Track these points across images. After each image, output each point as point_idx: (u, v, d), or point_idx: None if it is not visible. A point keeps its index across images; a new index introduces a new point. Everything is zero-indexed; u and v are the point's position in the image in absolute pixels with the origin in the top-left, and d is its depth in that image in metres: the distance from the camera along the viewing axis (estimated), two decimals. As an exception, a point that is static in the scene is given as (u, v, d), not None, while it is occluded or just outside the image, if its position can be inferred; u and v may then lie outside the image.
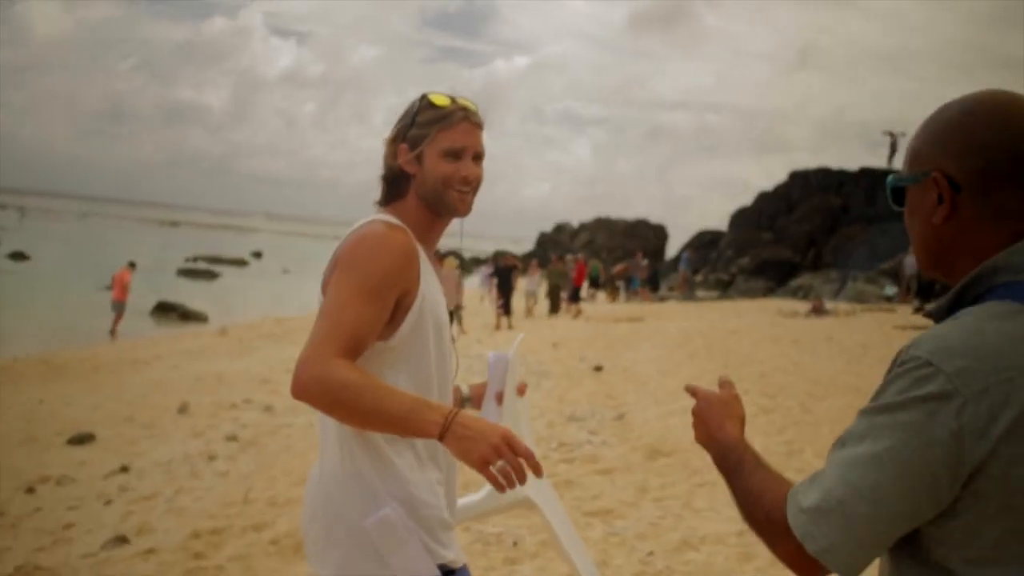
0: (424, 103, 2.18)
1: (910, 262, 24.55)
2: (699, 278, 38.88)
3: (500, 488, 1.83)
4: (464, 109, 2.17)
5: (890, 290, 28.88)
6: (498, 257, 26.89)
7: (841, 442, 1.29)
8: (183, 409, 10.26)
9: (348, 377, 1.88)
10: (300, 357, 1.92)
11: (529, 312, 25.39)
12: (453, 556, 2.13)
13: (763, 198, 42.21)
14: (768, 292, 33.81)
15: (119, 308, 20.97)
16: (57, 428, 9.22)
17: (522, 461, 1.82)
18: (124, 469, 7.51)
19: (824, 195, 38.57)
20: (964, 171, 1.31)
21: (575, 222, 63.20)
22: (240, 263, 53.09)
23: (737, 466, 1.45)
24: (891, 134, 36.35)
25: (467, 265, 60.99)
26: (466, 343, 19.15)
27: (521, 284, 26.56)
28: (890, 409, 1.24)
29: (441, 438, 1.85)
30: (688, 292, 35.35)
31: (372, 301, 2.00)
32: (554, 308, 25.72)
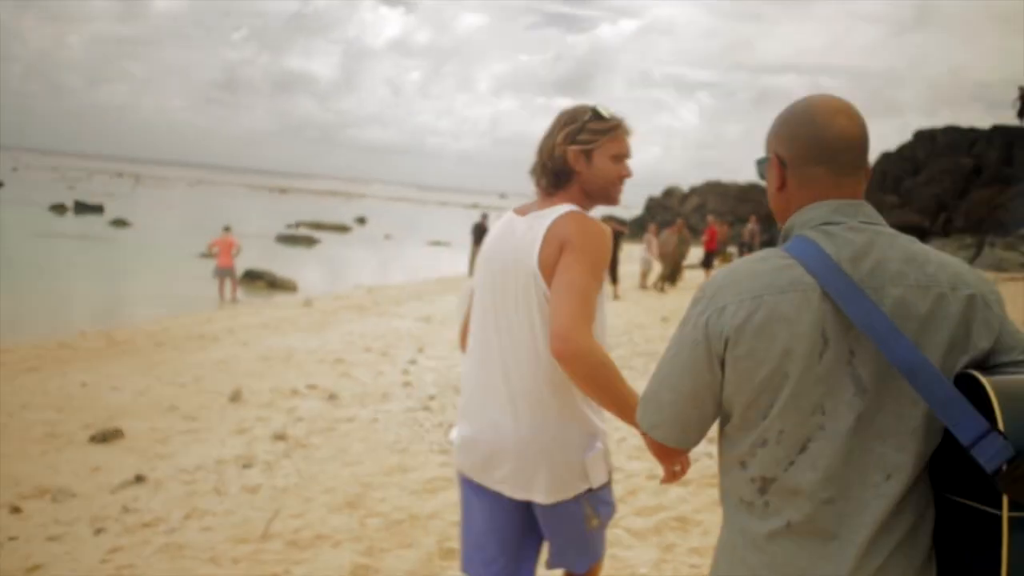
0: (593, 114, 2.67)
1: None
2: (819, 244, 36.43)
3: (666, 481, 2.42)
4: (623, 122, 2.71)
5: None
6: (616, 224, 25.11)
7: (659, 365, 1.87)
8: (235, 397, 8.98)
9: (604, 359, 2.43)
10: (563, 324, 2.38)
11: (643, 283, 23.51)
12: (611, 463, 2.77)
13: (886, 159, 39.44)
14: (895, 260, 31.29)
15: (224, 274, 19.96)
16: (87, 420, 8.00)
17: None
18: (139, 479, 6.20)
19: (953, 156, 35.74)
20: (787, 153, 1.82)
21: (685, 186, 61.13)
22: (343, 229, 52.43)
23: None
24: (1022, 89, 33.99)
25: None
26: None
27: (631, 251, 24.72)
28: (680, 324, 1.82)
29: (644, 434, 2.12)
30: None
31: (599, 283, 2.54)
32: (673, 278, 23.53)
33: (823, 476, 1.68)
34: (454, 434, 2.86)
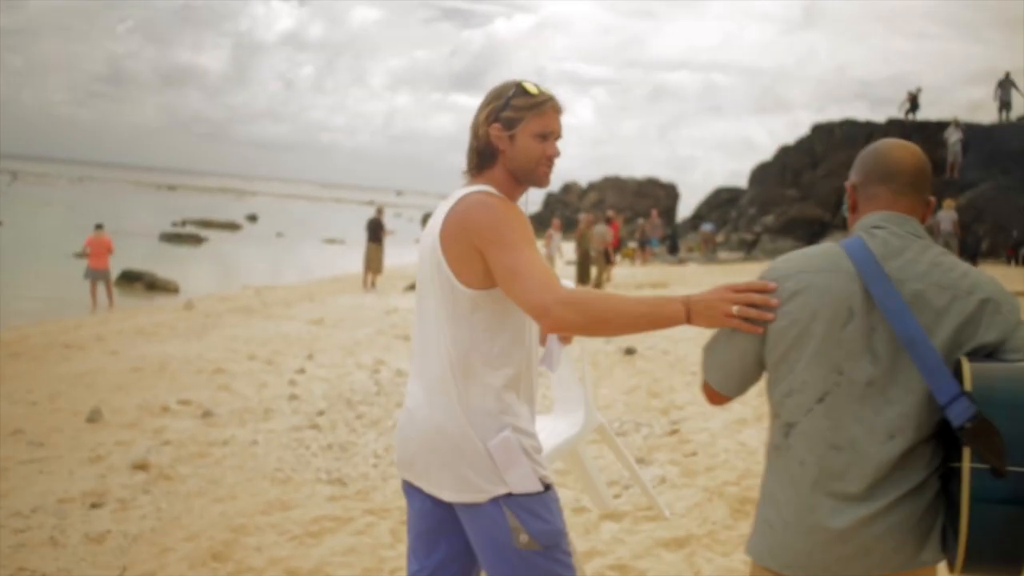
0: (518, 89, 2.53)
1: (945, 218, 22.39)
2: (720, 238, 36.27)
3: (754, 329, 2.17)
4: (552, 98, 2.56)
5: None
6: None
7: None
8: (94, 416, 7.80)
9: (588, 294, 2.42)
10: (533, 302, 2.31)
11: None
12: (548, 473, 2.55)
13: (785, 152, 39.50)
14: (796, 253, 31.27)
15: (97, 276, 18.26)
16: (-90, 450, 6.77)
17: (751, 295, 2.17)
18: (-46, 529, 5.06)
19: (851, 149, 35.64)
20: (857, 179, 2.27)
21: (583, 182, 60.97)
22: (232, 227, 50.39)
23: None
24: (911, 93, 35.37)
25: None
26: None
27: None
28: None
29: (688, 319, 2.23)
30: (709, 253, 32.87)
31: (532, 245, 2.43)
32: (583, 277, 22.31)
33: (834, 425, 2.06)
34: None
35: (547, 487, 2.51)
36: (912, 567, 2.07)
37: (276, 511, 5.37)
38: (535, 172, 2.56)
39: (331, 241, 43.99)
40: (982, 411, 1.91)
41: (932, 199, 2.24)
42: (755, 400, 8.34)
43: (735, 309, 2.16)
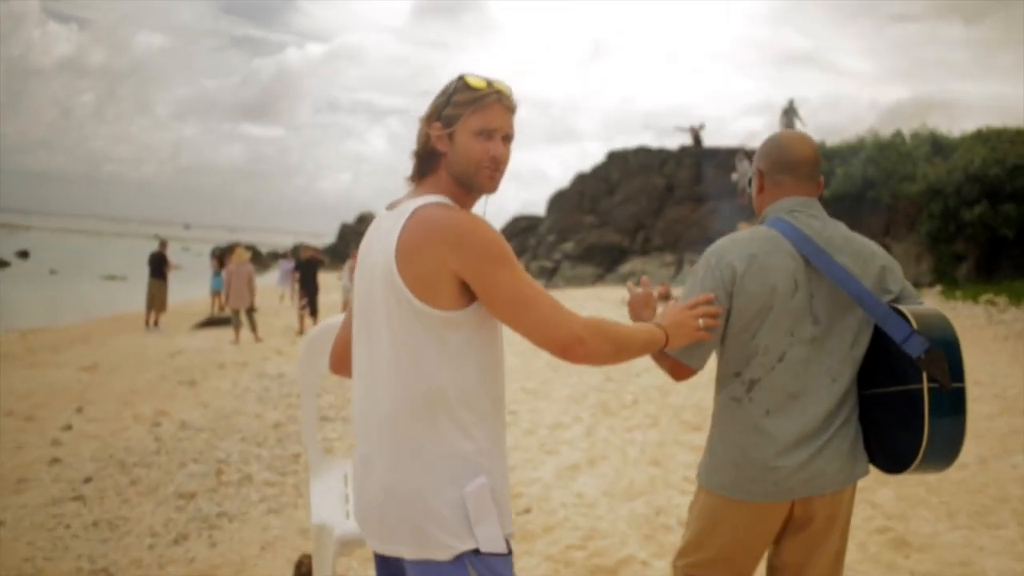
0: (460, 84, 2.24)
1: None
2: (520, 267, 36.02)
3: (708, 337, 2.56)
4: (498, 92, 2.25)
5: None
6: (301, 250, 23.13)
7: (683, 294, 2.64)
8: None
9: (604, 324, 2.23)
10: (561, 333, 2.14)
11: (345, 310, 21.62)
12: (512, 530, 2.25)
13: (582, 180, 39.77)
14: (598, 279, 31.36)
15: None
16: None
17: (705, 308, 2.55)
18: None
19: (647, 175, 36.44)
20: (764, 167, 2.74)
21: (379, 212, 60.17)
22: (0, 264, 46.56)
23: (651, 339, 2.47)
24: (693, 128, 37.36)
25: (265, 260, 57.15)
26: (262, 353, 15.43)
27: (328, 281, 22.96)
28: (691, 278, 2.65)
29: (667, 342, 2.46)
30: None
31: (519, 269, 2.17)
32: None
33: (792, 377, 2.55)
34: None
35: (509, 548, 2.21)
36: (850, 482, 2.60)
37: (17, 623, 4.18)
38: (476, 175, 2.24)
39: (111, 277, 41.02)
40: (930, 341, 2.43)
41: (822, 179, 2.76)
42: (584, 442, 7.69)
43: (700, 322, 2.53)
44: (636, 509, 5.65)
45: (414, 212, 2.17)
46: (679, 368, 2.63)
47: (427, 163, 2.28)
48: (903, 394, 2.46)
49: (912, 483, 6.08)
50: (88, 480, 6.79)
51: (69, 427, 8.91)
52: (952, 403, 2.42)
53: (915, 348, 2.41)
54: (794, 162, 2.68)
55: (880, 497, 5.75)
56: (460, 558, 2.11)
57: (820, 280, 2.56)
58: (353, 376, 2.35)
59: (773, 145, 2.73)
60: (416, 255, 2.12)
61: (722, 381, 2.64)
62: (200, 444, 7.98)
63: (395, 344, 2.16)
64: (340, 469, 3.82)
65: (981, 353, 12.58)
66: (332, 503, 3.52)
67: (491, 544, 2.14)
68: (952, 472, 6.40)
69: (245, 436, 8.31)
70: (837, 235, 2.63)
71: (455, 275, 2.12)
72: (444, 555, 2.11)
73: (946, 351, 2.42)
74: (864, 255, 2.62)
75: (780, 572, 2.73)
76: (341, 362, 2.55)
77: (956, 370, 2.43)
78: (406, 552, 2.15)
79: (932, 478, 6.16)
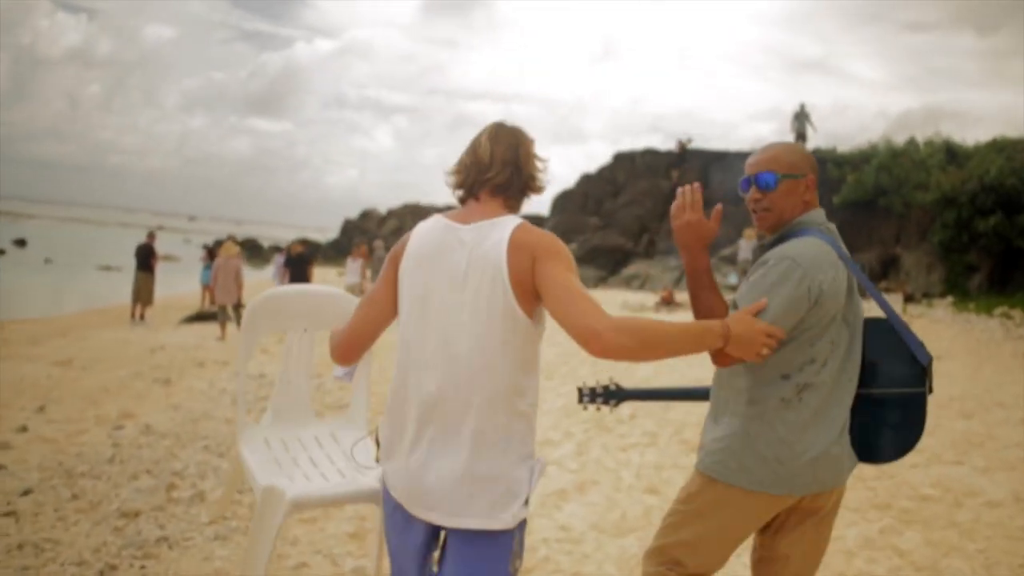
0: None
1: (745, 247, 22.47)
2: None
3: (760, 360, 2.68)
4: None
5: (733, 278, 26.19)
6: (292, 246, 22.52)
7: (750, 299, 2.65)
8: None
9: (638, 321, 2.42)
10: (588, 323, 2.36)
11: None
12: None
13: (587, 180, 39.16)
14: (600, 281, 30.69)
15: None
16: None
17: (774, 340, 2.62)
18: None
19: (652, 177, 35.82)
20: (814, 175, 2.81)
21: (382, 209, 59.77)
22: (-7, 253, 45.90)
23: (710, 286, 2.77)
24: (681, 142, 36.85)
25: (266, 254, 56.51)
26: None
27: (328, 276, 22.35)
28: (770, 281, 2.64)
29: (725, 347, 2.58)
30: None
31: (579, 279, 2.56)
32: None
33: (832, 380, 2.69)
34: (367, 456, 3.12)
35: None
36: (847, 476, 2.81)
37: None
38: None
39: (106, 268, 40.45)
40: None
41: None
42: (574, 463, 7.04)
43: (765, 351, 2.61)
44: (627, 548, 5.00)
45: (517, 229, 2.55)
46: (727, 360, 2.68)
47: (518, 192, 2.68)
48: (906, 396, 2.73)
49: (941, 525, 5.44)
50: (27, 492, 6.14)
51: (24, 428, 8.28)
52: (924, 405, 2.76)
53: (923, 356, 2.72)
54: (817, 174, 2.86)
55: (907, 542, 5.10)
56: (517, 528, 2.54)
57: (848, 287, 2.75)
58: (406, 365, 2.63)
59: (808, 155, 2.86)
60: (519, 265, 2.49)
61: (767, 382, 2.70)
62: (159, 452, 7.34)
63: (489, 343, 2.51)
64: (261, 434, 3.87)
65: (1003, 372, 11.92)
66: (269, 467, 3.59)
67: (526, 511, 2.58)
68: (985, 511, 5.75)
69: (209, 444, 7.67)
70: (844, 245, 2.81)
71: (531, 281, 2.49)
72: (510, 523, 2.51)
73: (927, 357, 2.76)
74: (855, 264, 2.83)
75: (771, 564, 2.88)
76: (353, 351, 2.80)
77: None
78: (475, 524, 2.50)
79: (964, 520, 5.51)
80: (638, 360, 2.48)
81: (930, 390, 2.73)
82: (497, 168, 2.61)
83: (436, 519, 2.55)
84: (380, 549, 3.54)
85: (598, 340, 2.33)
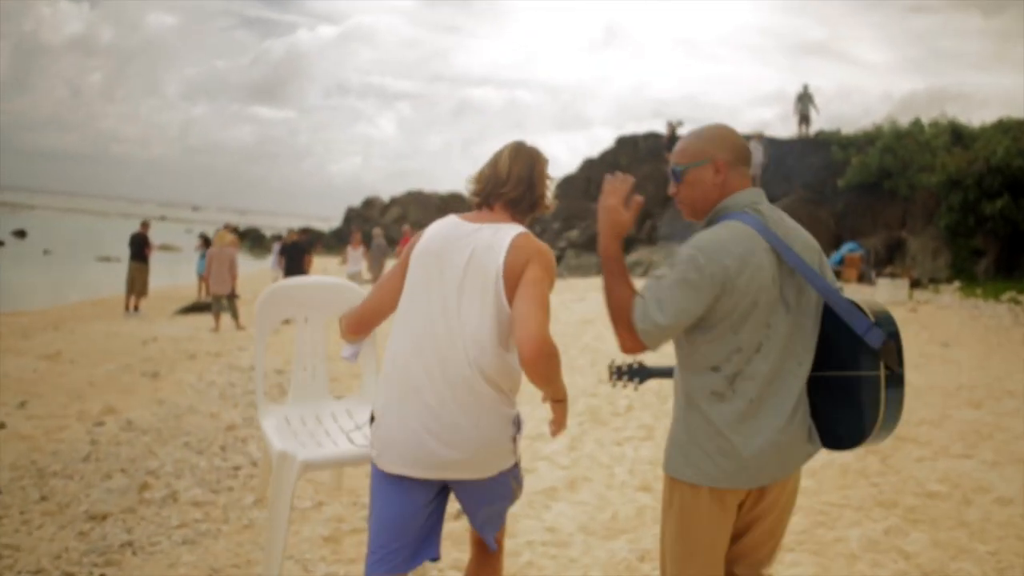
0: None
1: None
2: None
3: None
4: None
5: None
6: (288, 235, 22.30)
7: (653, 289, 2.59)
8: None
9: (558, 357, 2.84)
10: (535, 333, 2.74)
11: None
12: None
13: (589, 165, 38.81)
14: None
15: None
16: None
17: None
18: None
19: (655, 162, 35.41)
20: (728, 157, 2.71)
21: (386, 197, 59.48)
22: (-9, 243, 45.57)
23: (619, 273, 2.67)
24: (671, 124, 35.46)
25: (267, 243, 56.15)
26: (239, 342, 14.54)
27: (329, 265, 22.08)
28: (675, 268, 2.57)
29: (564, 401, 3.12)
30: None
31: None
32: None
33: (769, 366, 2.62)
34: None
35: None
36: (806, 461, 2.75)
37: None
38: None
39: (105, 259, 40.11)
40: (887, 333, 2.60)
41: None
42: (565, 458, 6.78)
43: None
44: (616, 552, 4.72)
45: (519, 235, 2.94)
46: (636, 343, 2.65)
47: (527, 208, 3.09)
48: (854, 379, 2.63)
49: (949, 524, 5.16)
50: (-10, 497, 5.89)
51: (2, 425, 8.03)
52: (897, 386, 2.59)
53: (875, 340, 2.56)
54: (745, 153, 2.77)
55: (913, 544, 4.81)
56: (511, 469, 3.05)
57: (787, 270, 2.65)
58: (412, 339, 2.96)
59: (727, 136, 2.78)
60: (515, 271, 2.87)
61: (696, 374, 2.68)
62: (137, 450, 7.09)
63: (482, 325, 2.88)
64: (282, 412, 4.16)
65: (1012, 359, 11.62)
66: (286, 437, 3.88)
67: (517, 454, 3.07)
68: (996, 509, 5.46)
69: (190, 440, 7.41)
70: (788, 225, 2.73)
71: (520, 276, 2.88)
72: (506, 466, 3.00)
73: (896, 341, 2.60)
74: (810, 245, 2.75)
75: (733, 565, 2.84)
76: (363, 326, 3.27)
77: (901, 357, 2.60)
78: (486, 474, 2.97)
79: (973, 519, 5.23)
80: (531, 379, 2.83)
81: (892, 372, 2.57)
82: (513, 184, 3.02)
83: (450, 475, 2.94)
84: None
85: (539, 349, 2.72)
